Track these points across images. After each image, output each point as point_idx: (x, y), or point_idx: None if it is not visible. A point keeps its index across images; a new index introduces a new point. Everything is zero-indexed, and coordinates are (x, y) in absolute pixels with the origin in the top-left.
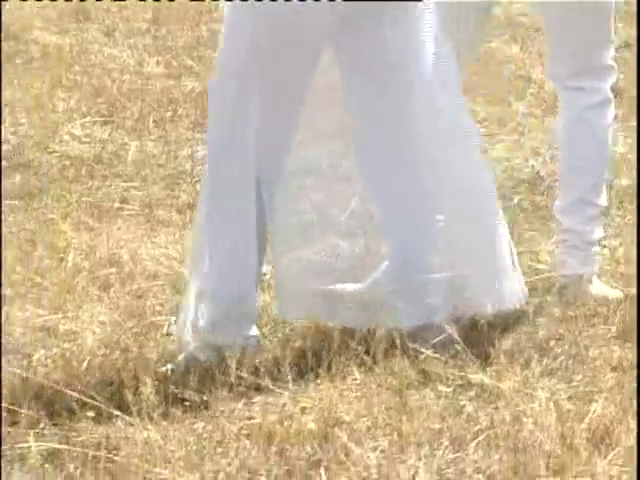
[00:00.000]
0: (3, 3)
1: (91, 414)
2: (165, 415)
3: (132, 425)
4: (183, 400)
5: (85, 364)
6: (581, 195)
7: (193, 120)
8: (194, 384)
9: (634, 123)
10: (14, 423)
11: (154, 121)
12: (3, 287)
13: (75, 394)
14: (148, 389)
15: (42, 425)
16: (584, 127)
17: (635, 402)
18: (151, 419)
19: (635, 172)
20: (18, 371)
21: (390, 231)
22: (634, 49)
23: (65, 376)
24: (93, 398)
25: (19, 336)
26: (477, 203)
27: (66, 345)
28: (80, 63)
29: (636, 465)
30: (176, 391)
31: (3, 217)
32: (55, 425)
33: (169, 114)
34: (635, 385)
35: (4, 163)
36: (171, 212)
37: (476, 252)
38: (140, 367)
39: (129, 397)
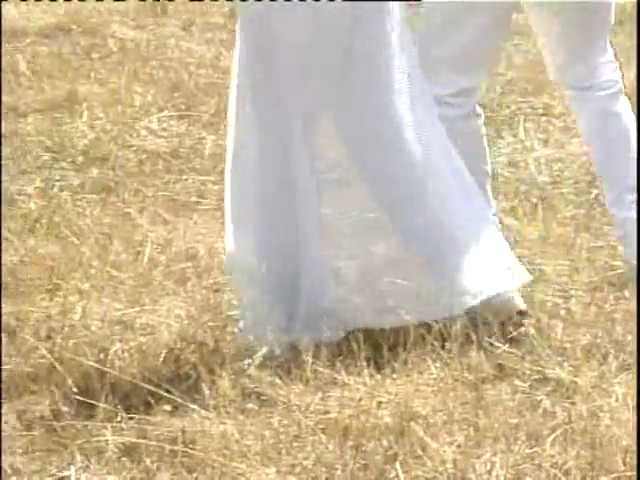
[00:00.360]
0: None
1: (168, 408)
2: (241, 409)
3: (209, 419)
4: (259, 394)
5: (162, 358)
6: (623, 184)
7: None
8: (270, 378)
9: None
10: (91, 416)
11: None
12: (80, 281)
13: (152, 388)
14: (225, 383)
15: (119, 419)
16: (609, 119)
17: None
18: (228, 413)
19: None
20: (95, 364)
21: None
22: None
23: (142, 370)
24: (170, 392)
25: (96, 330)
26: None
27: (143, 339)
28: (157, 57)
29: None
30: (252, 385)
31: (80, 211)
32: (132, 419)
33: None
34: None
35: (80, 158)
36: None
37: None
38: (216, 361)
39: (206, 391)
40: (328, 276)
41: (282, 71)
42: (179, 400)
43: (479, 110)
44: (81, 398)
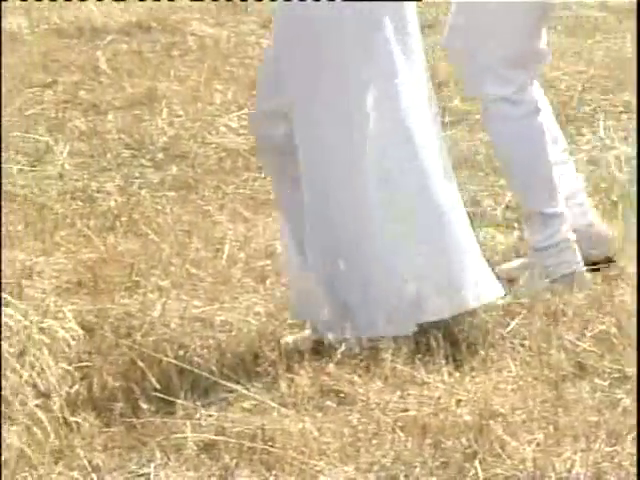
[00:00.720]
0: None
1: (247, 405)
2: (320, 407)
3: (287, 416)
4: (338, 392)
5: (241, 355)
6: None
7: None
8: (349, 376)
9: None
10: (170, 413)
11: None
12: (160, 278)
13: (231, 385)
14: (303, 381)
15: (198, 416)
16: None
17: None
18: (306, 411)
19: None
20: (174, 361)
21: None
22: None
23: (221, 367)
24: (248, 389)
25: (175, 327)
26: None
27: (222, 336)
28: (237, 55)
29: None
30: (331, 383)
31: (160, 208)
32: (211, 416)
33: None
34: None
35: (160, 155)
36: None
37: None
38: (295, 359)
39: (284, 389)
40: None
41: None
42: (258, 397)
43: (540, 104)
44: (160, 395)
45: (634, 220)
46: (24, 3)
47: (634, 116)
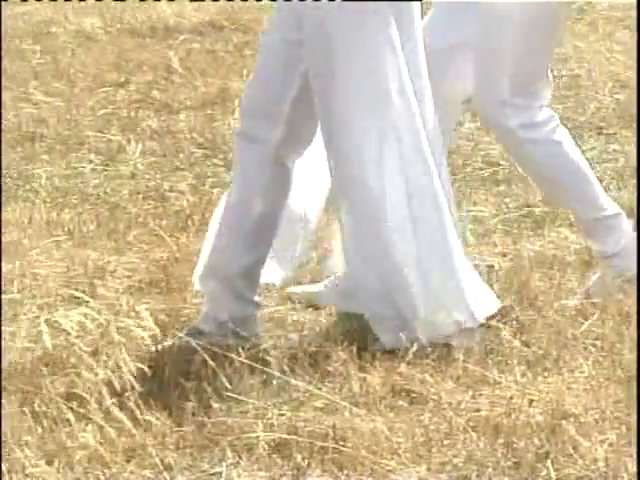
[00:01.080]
0: (3, 3)
1: (318, 404)
2: (392, 406)
3: (359, 416)
4: (410, 391)
5: (313, 355)
6: None
7: None
8: (421, 376)
9: None
10: (242, 413)
11: None
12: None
13: (303, 384)
14: (375, 380)
15: (270, 415)
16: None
17: None
18: (378, 410)
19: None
20: (246, 361)
21: None
22: None
23: (293, 366)
24: (320, 389)
25: None
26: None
27: (294, 335)
28: None
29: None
30: (402, 382)
31: None
32: (283, 415)
33: None
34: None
35: (232, 154)
36: None
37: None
38: (367, 358)
39: (356, 388)
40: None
41: None
42: (329, 397)
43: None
44: (232, 394)
45: None
46: (98, 3)
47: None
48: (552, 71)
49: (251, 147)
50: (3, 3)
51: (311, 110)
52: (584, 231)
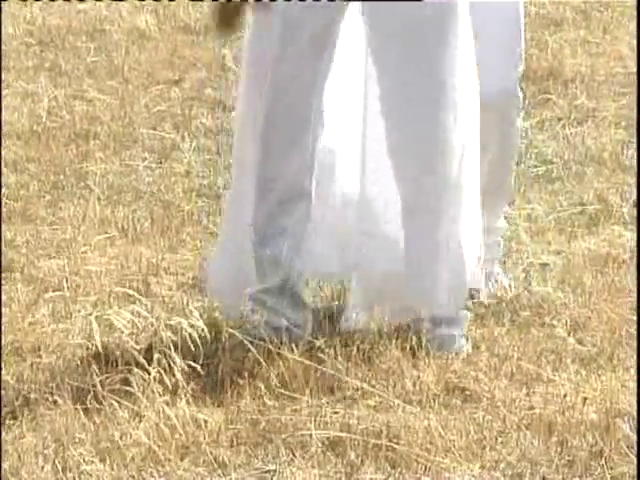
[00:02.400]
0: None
1: (372, 402)
2: (445, 404)
3: (412, 414)
4: (463, 389)
5: (365, 352)
6: None
7: None
8: (474, 373)
9: None
10: (295, 411)
11: None
12: None
13: (356, 382)
14: (428, 378)
15: (323, 413)
16: None
17: None
18: (431, 408)
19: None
20: (300, 359)
21: None
22: None
23: (346, 364)
24: (374, 386)
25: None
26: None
27: (347, 333)
28: None
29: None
30: (456, 380)
31: None
32: (336, 413)
33: None
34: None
35: None
36: None
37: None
38: (421, 356)
39: (409, 386)
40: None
41: None
42: (383, 395)
43: None
44: (286, 392)
45: None
46: (152, 1)
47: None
48: (608, 69)
49: None
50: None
51: None
52: None
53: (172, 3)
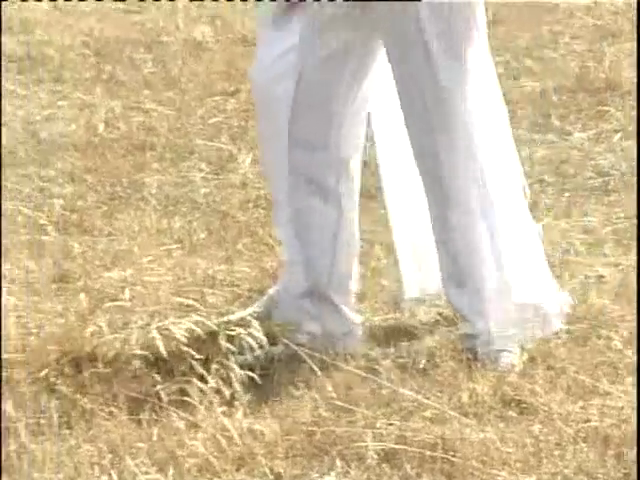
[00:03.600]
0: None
1: (427, 414)
2: (502, 417)
3: (468, 426)
4: (520, 402)
5: (422, 365)
6: None
7: (532, 121)
8: (530, 386)
9: None
10: (351, 422)
11: None
12: None
13: (412, 394)
14: (484, 390)
15: (379, 425)
16: None
17: None
18: (488, 421)
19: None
20: (356, 370)
21: None
22: None
23: (402, 376)
24: (429, 398)
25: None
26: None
27: (403, 345)
28: None
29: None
30: (512, 393)
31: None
32: (392, 425)
33: (509, 115)
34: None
35: None
36: None
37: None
38: (475, 368)
39: (465, 398)
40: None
41: None
42: (438, 406)
43: None
44: (341, 403)
45: None
46: (210, 12)
47: None
48: None
49: None
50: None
51: None
52: None
53: (229, 15)
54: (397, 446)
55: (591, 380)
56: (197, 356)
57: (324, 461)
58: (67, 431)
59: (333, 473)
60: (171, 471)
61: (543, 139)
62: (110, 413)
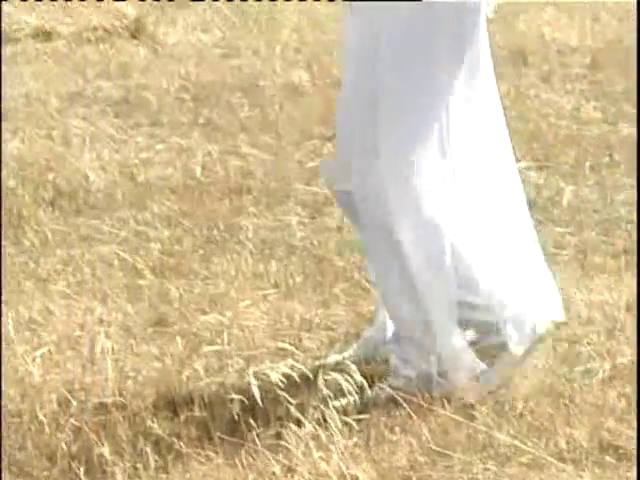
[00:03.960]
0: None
1: (524, 460)
2: (599, 462)
3: (565, 472)
4: (617, 447)
5: (518, 409)
6: None
7: (629, 166)
8: (629, 432)
9: None
10: (447, 467)
11: (590, 166)
12: None
13: (508, 439)
14: (582, 435)
15: (475, 470)
16: None
17: None
18: (585, 466)
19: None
20: (452, 415)
21: None
22: None
23: (498, 421)
24: (526, 444)
25: None
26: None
27: (502, 390)
28: (516, 108)
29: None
30: (610, 438)
31: None
32: (488, 470)
33: (606, 160)
34: None
35: None
36: (606, 258)
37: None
38: (572, 412)
39: (562, 443)
40: None
41: None
42: (535, 452)
43: None
44: (437, 448)
45: None
46: (306, 56)
47: None
48: None
49: None
50: None
51: None
52: None
53: (325, 59)
54: None
55: None
56: (293, 401)
57: None
58: (164, 475)
59: None
60: None
61: None
62: (206, 457)
